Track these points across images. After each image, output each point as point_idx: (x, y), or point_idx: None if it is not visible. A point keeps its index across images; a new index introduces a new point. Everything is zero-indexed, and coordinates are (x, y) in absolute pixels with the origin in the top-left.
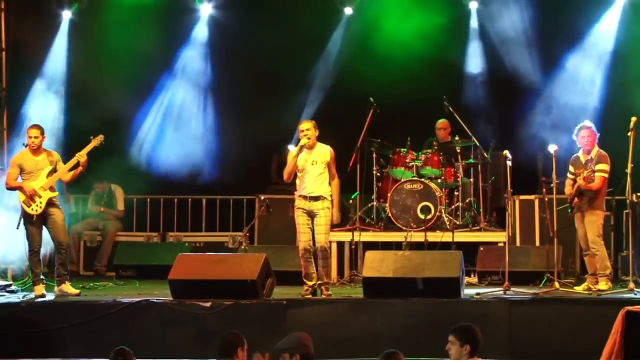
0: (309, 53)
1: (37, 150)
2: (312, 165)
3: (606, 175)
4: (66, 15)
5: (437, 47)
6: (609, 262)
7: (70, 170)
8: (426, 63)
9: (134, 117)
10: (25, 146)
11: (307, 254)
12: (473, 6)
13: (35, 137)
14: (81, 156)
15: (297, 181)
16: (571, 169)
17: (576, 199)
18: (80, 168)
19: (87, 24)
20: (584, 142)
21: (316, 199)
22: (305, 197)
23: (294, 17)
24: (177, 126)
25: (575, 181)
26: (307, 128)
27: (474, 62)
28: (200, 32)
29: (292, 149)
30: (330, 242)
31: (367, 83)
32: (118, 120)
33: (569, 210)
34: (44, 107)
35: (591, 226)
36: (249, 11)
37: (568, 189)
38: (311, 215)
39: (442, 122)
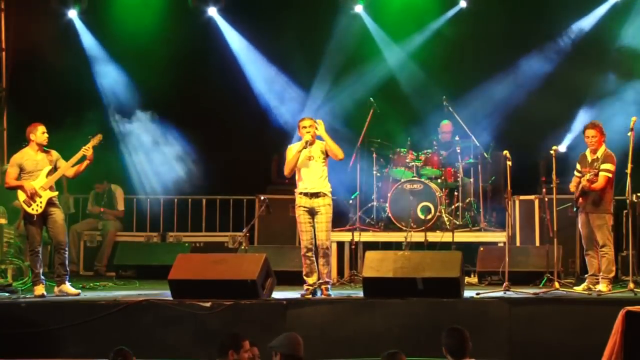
0: (310, 53)
1: (43, 147)
2: (310, 161)
3: (610, 175)
4: (72, 14)
5: (437, 45)
6: (614, 266)
7: (74, 165)
8: (426, 62)
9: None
10: (25, 145)
11: (309, 252)
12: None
13: (45, 133)
14: (87, 150)
15: (297, 178)
16: (578, 166)
17: (581, 199)
18: (87, 162)
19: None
20: (589, 141)
21: (317, 195)
22: (306, 194)
23: (294, 18)
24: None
25: (581, 180)
26: (309, 125)
27: (476, 61)
28: (204, 32)
29: (291, 146)
30: (330, 242)
31: (368, 82)
32: None
33: (575, 209)
34: None
35: (601, 230)
36: (250, 12)
37: (573, 187)
38: (312, 212)
39: (445, 125)
